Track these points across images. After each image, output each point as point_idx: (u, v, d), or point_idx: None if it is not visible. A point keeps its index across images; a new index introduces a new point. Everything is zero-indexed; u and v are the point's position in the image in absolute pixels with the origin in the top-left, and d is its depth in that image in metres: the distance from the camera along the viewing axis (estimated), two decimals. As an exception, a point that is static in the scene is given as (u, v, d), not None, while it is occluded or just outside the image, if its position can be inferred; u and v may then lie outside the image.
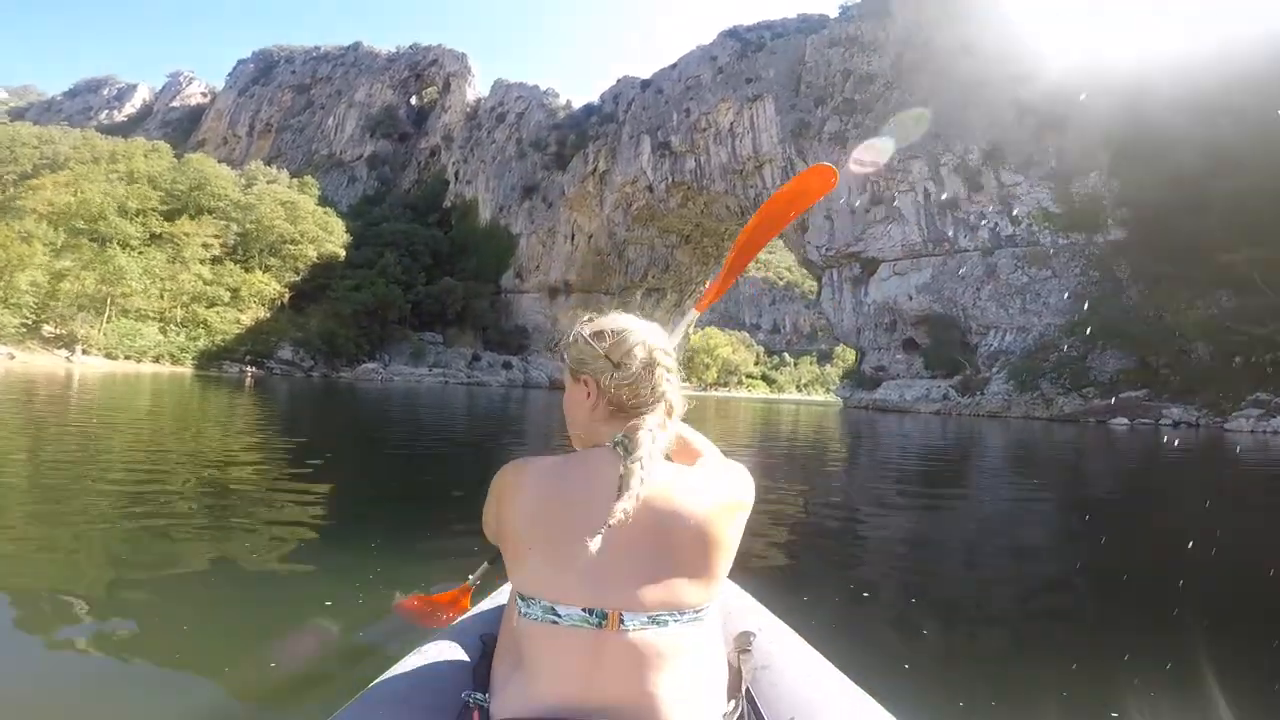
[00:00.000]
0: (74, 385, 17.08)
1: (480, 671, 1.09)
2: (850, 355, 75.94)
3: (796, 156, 49.85)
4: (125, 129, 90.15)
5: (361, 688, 1.07)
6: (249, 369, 37.35)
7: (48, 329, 33.20)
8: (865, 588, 3.33)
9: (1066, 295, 31.95)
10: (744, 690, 1.09)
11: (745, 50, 59.46)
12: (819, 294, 50.88)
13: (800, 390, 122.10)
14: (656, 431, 0.98)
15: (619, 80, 74.08)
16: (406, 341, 53.55)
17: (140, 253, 39.67)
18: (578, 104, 79.39)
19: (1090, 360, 28.18)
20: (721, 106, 56.92)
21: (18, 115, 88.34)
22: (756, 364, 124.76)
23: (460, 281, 60.57)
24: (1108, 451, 13.98)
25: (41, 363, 28.70)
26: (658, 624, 0.93)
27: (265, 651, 2.03)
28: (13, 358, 27.99)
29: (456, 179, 78.65)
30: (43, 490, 4.61)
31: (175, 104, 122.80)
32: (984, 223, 38.33)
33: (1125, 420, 23.30)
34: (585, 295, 62.84)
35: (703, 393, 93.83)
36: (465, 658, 1.16)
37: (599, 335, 1.01)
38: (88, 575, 2.83)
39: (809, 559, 4.17)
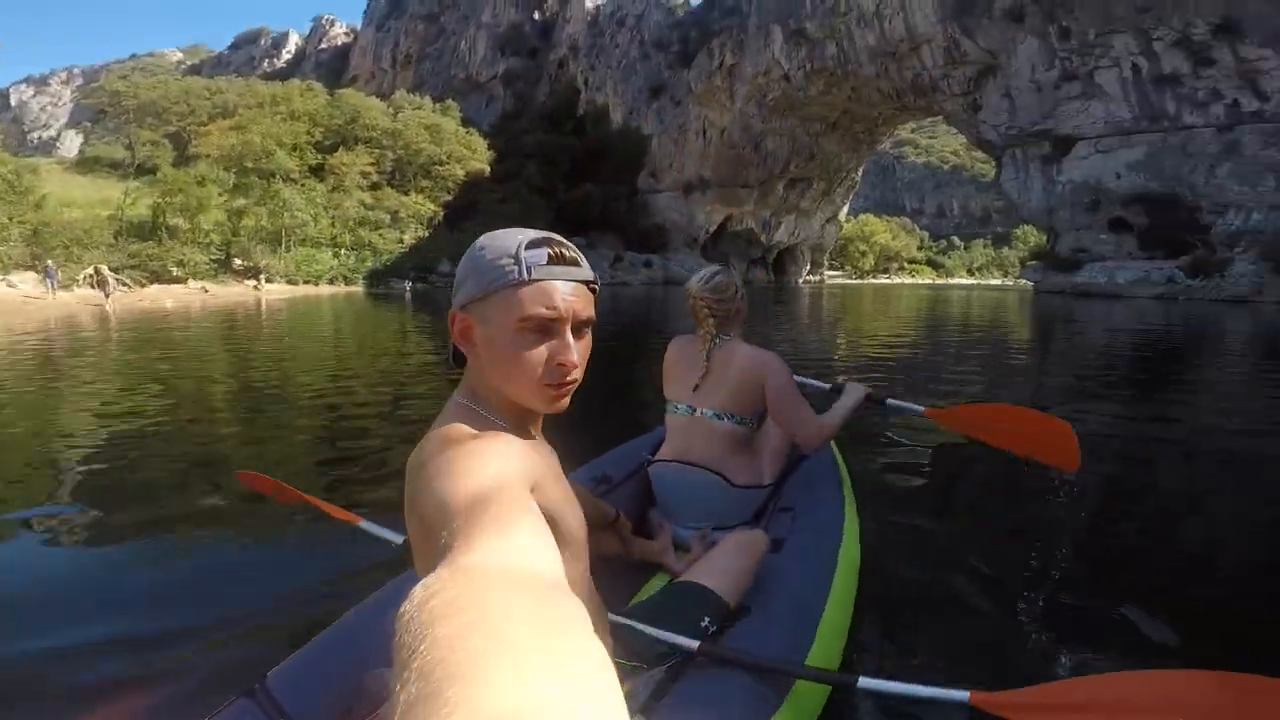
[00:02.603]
0: (263, 311, 19.57)
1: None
2: (1033, 236, 70.65)
3: (961, 35, 43.92)
4: (286, 74, 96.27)
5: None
6: (407, 284, 39.15)
7: (237, 262, 35.31)
8: (982, 504, 3.12)
9: None
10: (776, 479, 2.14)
11: (891, -81, 52.46)
12: (997, 175, 46.65)
13: (973, 275, 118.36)
14: (713, 332, 2.00)
15: (739, -29, 68.60)
16: (554, 247, 54.77)
17: (302, 185, 42.24)
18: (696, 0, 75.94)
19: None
20: (862, -14, 51.13)
21: (194, 71, 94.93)
22: (920, 249, 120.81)
23: (598, 186, 60.08)
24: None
25: (233, 293, 30.68)
26: (719, 418, 1.98)
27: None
28: (206, 290, 29.97)
29: (586, 86, 77.47)
30: (241, 405, 5.56)
31: (323, 46, 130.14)
32: (1219, 99, 33.76)
33: None
34: (722, 190, 61.93)
35: (858, 280, 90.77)
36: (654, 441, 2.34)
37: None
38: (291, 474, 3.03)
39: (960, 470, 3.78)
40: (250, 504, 2.80)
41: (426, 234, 47.71)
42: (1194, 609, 2.11)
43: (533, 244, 0.85)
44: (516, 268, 0.83)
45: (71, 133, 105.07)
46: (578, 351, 0.87)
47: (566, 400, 0.90)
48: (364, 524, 1.79)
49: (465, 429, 0.85)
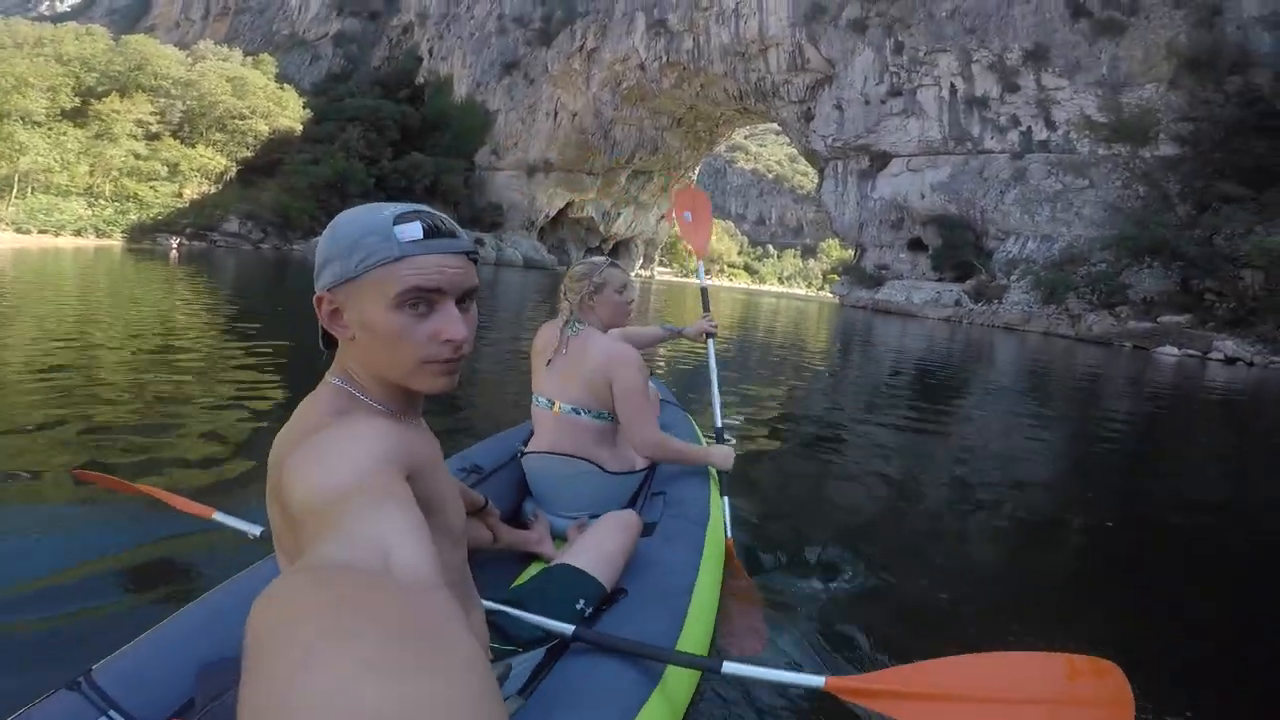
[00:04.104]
0: None
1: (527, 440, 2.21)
2: (836, 250, 74.81)
3: (807, 41, 44.98)
4: (70, 19, 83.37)
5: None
6: (174, 241, 35.01)
7: None
8: (824, 506, 3.34)
9: (1104, 208, 29.14)
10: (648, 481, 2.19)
11: (754, -78, 53.73)
12: (819, 186, 47.83)
13: (782, 283, 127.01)
14: (571, 322, 1.98)
15: (613, -46, 68.03)
16: (368, 215, 52.86)
17: (49, 129, 38.16)
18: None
19: (1125, 277, 24.83)
20: (726, -17, 51.73)
21: None
22: (740, 254, 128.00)
23: (431, 157, 57.13)
24: (1139, 381, 12.26)
25: None
26: (576, 412, 1.96)
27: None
28: None
29: (430, 55, 73.17)
30: None
31: None
32: (1016, 126, 35.45)
33: (1174, 350, 19.82)
34: (567, 174, 60.75)
35: (682, 279, 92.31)
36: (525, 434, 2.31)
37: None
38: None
39: (771, 467, 4.10)
40: (83, 499, 2.46)
41: (214, 190, 43.78)
42: (1043, 596, 2.47)
43: (403, 217, 0.82)
44: (388, 244, 0.80)
45: None
46: (465, 324, 0.85)
47: (455, 378, 0.86)
48: (217, 515, 1.72)
49: (335, 412, 0.82)
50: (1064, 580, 2.67)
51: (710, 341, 2.67)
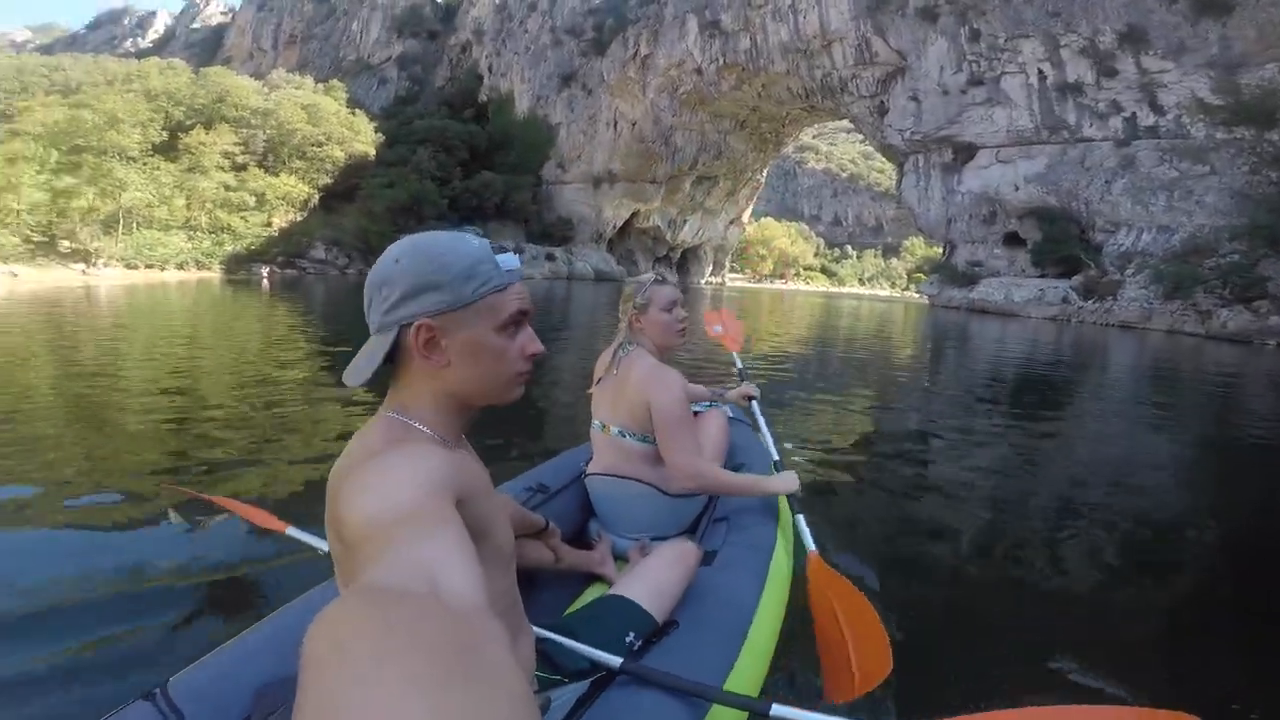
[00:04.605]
0: (93, 300, 15.85)
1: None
2: (920, 248, 72.35)
3: (873, 33, 43.54)
4: (152, 55, 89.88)
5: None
6: (265, 270, 36.11)
7: (64, 244, 32.34)
8: (898, 533, 3.15)
9: (1230, 195, 26.91)
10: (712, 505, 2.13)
11: (808, -89, 52.16)
12: (899, 182, 46.36)
13: (863, 284, 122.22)
14: (623, 343, 1.99)
15: (659, -43, 67.48)
16: (444, 236, 54.36)
17: (144, 164, 39.18)
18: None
19: (1263, 269, 23.11)
20: (781, -21, 50.48)
21: (44, 52, 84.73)
22: (816, 256, 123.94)
23: (499, 175, 57.70)
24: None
25: (53, 278, 27.20)
26: (623, 435, 1.94)
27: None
28: (15, 275, 26.23)
29: (490, 72, 73.93)
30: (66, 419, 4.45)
31: (196, 25, 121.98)
32: (1119, 112, 33.46)
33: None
34: (630, 184, 60.59)
35: (756, 285, 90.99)
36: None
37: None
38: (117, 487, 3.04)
39: (856, 484, 3.87)
40: (157, 508, 2.73)
41: (300, 217, 44.91)
42: (1111, 645, 2.21)
43: (499, 248, 0.92)
44: (498, 272, 0.89)
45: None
46: None
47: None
48: (290, 530, 1.79)
49: (389, 441, 0.85)
50: (1169, 624, 2.48)
51: (754, 403, 2.75)
